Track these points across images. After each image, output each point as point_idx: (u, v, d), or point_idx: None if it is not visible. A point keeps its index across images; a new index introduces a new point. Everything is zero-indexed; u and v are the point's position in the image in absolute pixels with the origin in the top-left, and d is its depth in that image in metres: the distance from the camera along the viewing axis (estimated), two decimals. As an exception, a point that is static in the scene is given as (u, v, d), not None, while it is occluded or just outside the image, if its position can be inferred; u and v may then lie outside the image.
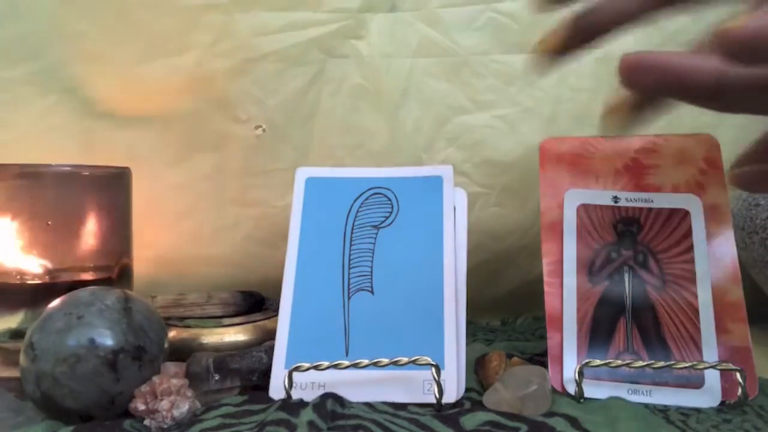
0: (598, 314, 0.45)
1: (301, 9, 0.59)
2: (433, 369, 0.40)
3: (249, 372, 0.43)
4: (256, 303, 0.58)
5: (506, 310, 0.67)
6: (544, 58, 0.31)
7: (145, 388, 0.38)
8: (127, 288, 0.47)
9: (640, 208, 0.47)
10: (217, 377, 0.42)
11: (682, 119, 0.61)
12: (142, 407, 0.37)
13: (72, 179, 0.50)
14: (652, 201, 0.47)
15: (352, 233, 0.48)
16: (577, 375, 0.42)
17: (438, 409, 0.40)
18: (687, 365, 0.41)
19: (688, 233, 0.46)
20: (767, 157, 0.32)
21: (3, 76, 0.58)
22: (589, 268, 0.46)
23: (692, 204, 0.47)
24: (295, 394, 0.40)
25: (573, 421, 0.38)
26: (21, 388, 0.39)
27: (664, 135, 0.50)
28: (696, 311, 0.44)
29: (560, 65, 0.31)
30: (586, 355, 0.43)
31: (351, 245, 0.47)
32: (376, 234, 0.47)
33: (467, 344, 0.44)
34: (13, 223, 0.48)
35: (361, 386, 0.41)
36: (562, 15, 0.31)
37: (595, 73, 0.60)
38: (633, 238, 0.47)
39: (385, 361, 0.40)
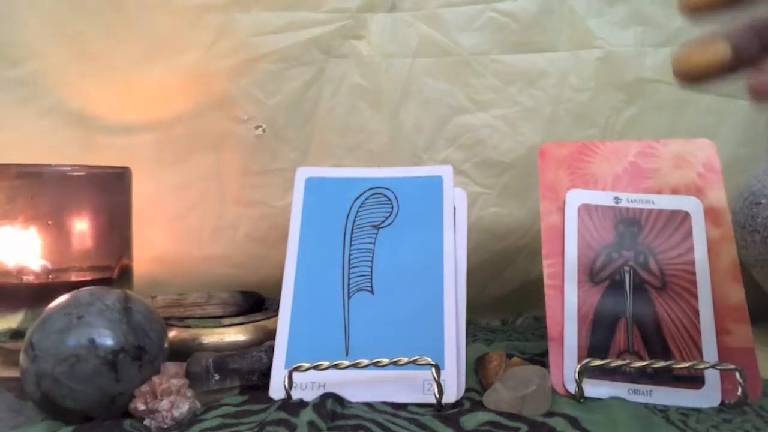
0: (598, 314, 0.45)
1: (301, 9, 0.59)
2: (433, 369, 0.40)
3: (249, 372, 0.43)
4: (256, 303, 0.58)
5: (506, 310, 0.67)
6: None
7: (145, 388, 0.38)
8: (127, 288, 0.47)
9: (641, 209, 0.47)
10: (217, 377, 0.42)
11: (682, 119, 0.62)
12: (142, 407, 0.37)
13: (72, 179, 0.50)
14: (653, 202, 0.47)
15: (352, 233, 0.48)
16: (577, 375, 0.41)
17: (438, 409, 0.40)
18: (687, 365, 0.41)
19: (689, 235, 0.46)
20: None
21: (3, 76, 0.58)
22: (589, 269, 0.46)
23: (693, 206, 0.47)
24: (295, 394, 0.40)
25: (573, 421, 0.38)
26: (21, 388, 0.39)
27: (662, 140, 0.50)
28: (696, 312, 0.44)
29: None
30: (586, 355, 0.43)
31: (351, 245, 0.47)
32: (376, 234, 0.47)
33: (467, 344, 0.44)
34: (13, 223, 0.48)
35: (361, 386, 0.41)
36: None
37: (595, 73, 0.61)
38: (634, 238, 0.47)
39: (385, 361, 0.40)
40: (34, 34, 0.58)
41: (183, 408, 0.37)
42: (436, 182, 0.49)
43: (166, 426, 0.37)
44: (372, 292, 0.45)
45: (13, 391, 0.43)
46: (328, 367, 0.40)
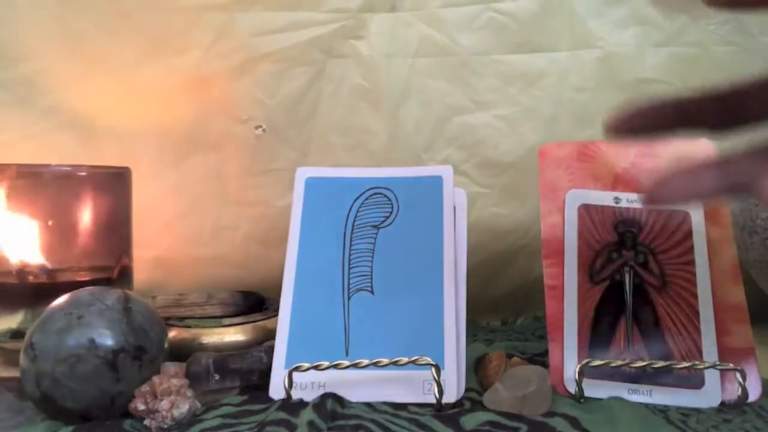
0: (598, 314, 0.45)
1: (301, 9, 0.59)
2: (433, 369, 0.40)
3: (249, 372, 0.43)
4: (256, 303, 0.58)
5: (506, 310, 0.67)
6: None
7: (145, 388, 0.38)
8: (127, 288, 0.47)
9: (641, 209, 0.47)
10: (217, 377, 0.42)
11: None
12: (142, 407, 0.37)
13: (72, 179, 0.50)
14: (652, 201, 0.47)
15: (352, 233, 0.48)
16: (577, 375, 0.41)
17: (438, 409, 0.40)
18: (687, 365, 0.41)
19: (689, 235, 0.46)
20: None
21: (3, 76, 0.58)
22: (589, 268, 0.46)
23: (692, 206, 0.47)
24: (295, 394, 0.40)
25: (573, 421, 0.38)
26: (21, 388, 0.39)
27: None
28: (696, 312, 0.44)
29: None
30: (586, 355, 0.43)
31: (351, 245, 0.47)
32: (376, 234, 0.47)
33: (467, 344, 0.44)
34: (13, 222, 0.48)
35: (361, 386, 0.41)
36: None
37: (595, 73, 0.60)
38: (634, 238, 0.47)
39: (385, 361, 0.40)
40: (34, 34, 0.58)
41: (183, 408, 0.37)
42: (436, 182, 0.49)
43: (166, 426, 0.37)
44: (372, 292, 0.45)
45: (13, 391, 0.43)
46: (328, 367, 0.40)
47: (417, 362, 0.40)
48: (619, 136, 0.27)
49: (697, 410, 0.40)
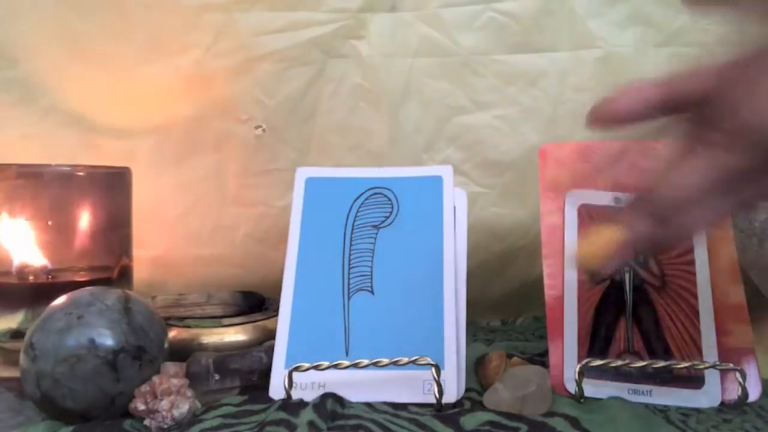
0: (598, 315, 0.45)
1: (301, 9, 0.59)
2: (433, 369, 0.40)
3: (249, 372, 0.43)
4: (256, 303, 0.58)
5: (506, 310, 0.67)
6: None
7: (145, 388, 0.38)
8: (127, 288, 0.47)
9: (640, 208, 0.47)
10: (217, 377, 0.42)
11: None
12: (142, 407, 0.37)
13: (72, 179, 0.50)
14: (652, 201, 0.47)
15: (352, 233, 0.48)
16: (577, 375, 0.41)
17: (438, 409, 0.40)
18: (687, 365, 0.41)
19: (688, 233, 0.46)
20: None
21: (3, 76, 0.58)
22: (589, 268, 0.46)
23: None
24: (295, 394, 0.40)
25: (573, 421, 0.38)
26: (21, 388, 0.39)
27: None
28: (696, 312, 0.44)
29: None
30: (586, 355, 0.43)
31: (351, 245, 0.47)
32: (376, 234, 0.47)
33: (467, 344, 0.44)
34: (13, 222, 0.48)
35: (361, 386, 0.41)
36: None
37: (595, 73, 0.60)
38: (633, 238, 0.47)
39: (385, 361, 0.40)
40: (34, 34, 0.58)
41: (183, 408, 0.37)
42: (436, 182, 0.49)
43: (166, 426, 0.37)
44: (372, 292, 0.45)
45: (13, 391, 0.43)
46: (328, 367, 0.40)
47: (417, 362, 0.40)
48: (603, 125, 0.29)
49: (697, 410, 0.40)
